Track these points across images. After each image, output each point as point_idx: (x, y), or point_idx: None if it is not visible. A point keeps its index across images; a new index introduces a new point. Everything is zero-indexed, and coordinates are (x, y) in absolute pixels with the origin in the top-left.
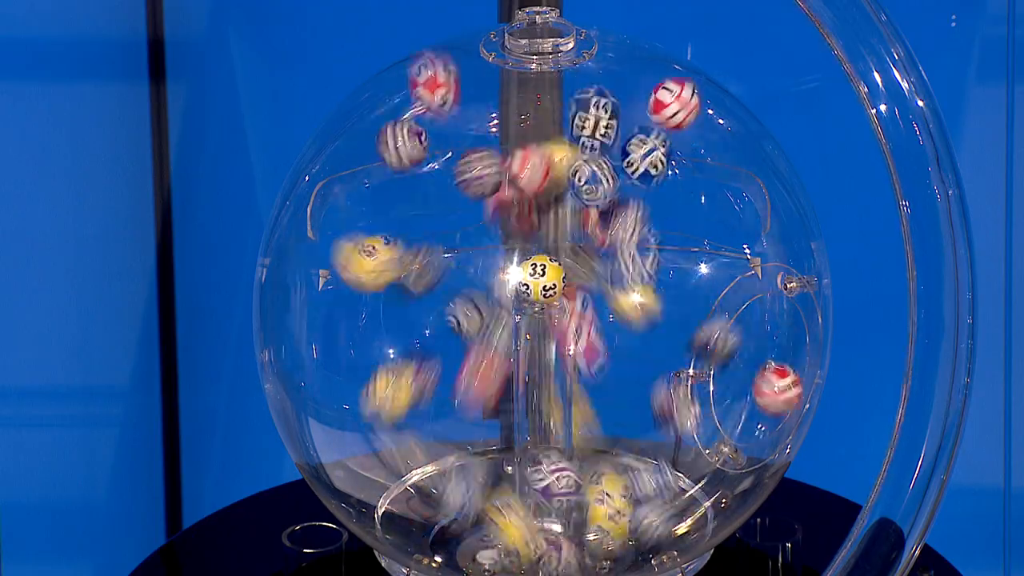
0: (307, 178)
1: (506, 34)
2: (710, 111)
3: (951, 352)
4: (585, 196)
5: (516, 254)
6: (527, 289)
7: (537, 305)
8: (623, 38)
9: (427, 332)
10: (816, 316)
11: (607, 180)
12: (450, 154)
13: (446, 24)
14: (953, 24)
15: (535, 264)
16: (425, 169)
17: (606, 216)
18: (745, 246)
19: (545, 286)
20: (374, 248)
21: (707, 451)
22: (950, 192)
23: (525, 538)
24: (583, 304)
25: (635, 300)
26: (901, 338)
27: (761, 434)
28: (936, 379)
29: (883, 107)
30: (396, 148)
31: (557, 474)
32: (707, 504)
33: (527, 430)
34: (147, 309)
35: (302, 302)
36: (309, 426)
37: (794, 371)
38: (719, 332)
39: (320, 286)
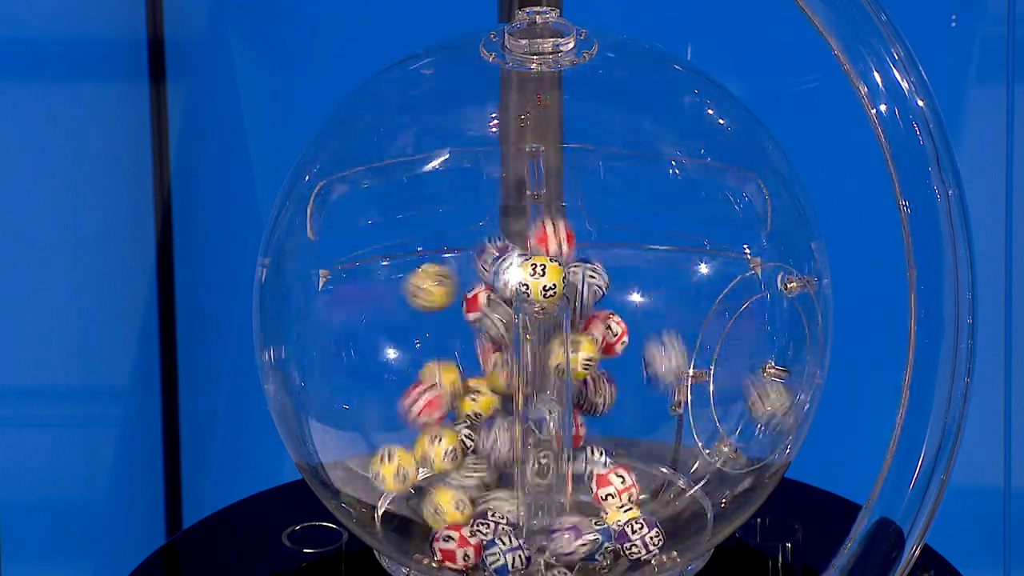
0: (307, 178)
1: (506, 34)
2: (710, 111)
3: (951, 352)
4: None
5: (516, 255)
6: (527, 289)
7: (537, 305)
8: (623, 38)
9: (427, 334)
10: (816, 316)
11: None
12: (448, 154)
13: (446, 24)
14: (953, 24)
15: (535, 264)
16: (427, 167)
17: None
18: (745, 246)
19: (545, 286)
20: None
21: (707, 451)
22: (950, 192)
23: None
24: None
25: None
26: (901, 338)
27: (761, 434)
28: (936, 379)
29: (883, 107)
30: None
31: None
32: (708, 504)
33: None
34: (147, 309)
35: (302, 302)
36: (309, 426)
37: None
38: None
39: (320, 286)
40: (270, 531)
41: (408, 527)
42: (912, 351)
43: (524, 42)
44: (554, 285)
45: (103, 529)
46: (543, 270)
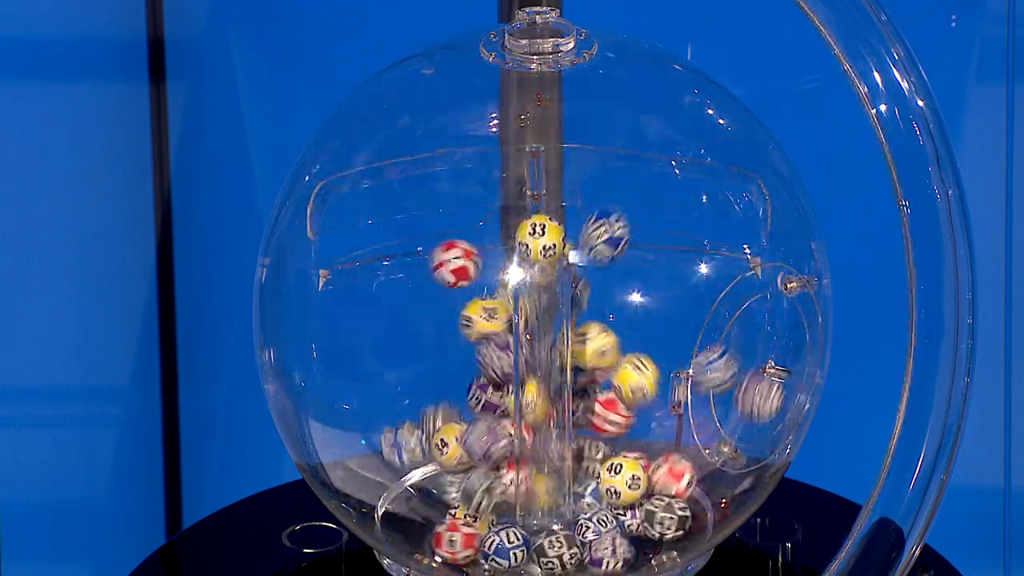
0: (307, 178)
1: (506, 34)
2: (710, 111)
3: (951, 352)
4: None
5: (516, 254)
6: (527, 249)
7: (536, 265)
8: (623, 38)
9: (427, 333)
10: (816, 316)
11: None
12: (448, 154)
13: (446, 24)
14: (953, 24)
15: (535, 224)
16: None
17: None
18: (745, 246)
19: (545, 245)
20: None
21: (707, 451)
22: (950, 192)
23: None
24: None
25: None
26: (901, 338)
27: (761, 434)
28: (936, 379)
29: (883, 107)
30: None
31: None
32: (707, 504)
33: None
34: (147, 309)
35: (302, 302)
36: (309, 426)
37: None
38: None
39: (320, 286)
40: (270, 531)
41: (408, 527)
42: (912, 351)
43: (524, 42)
44: (554, 245)
45: (103, 529)
46: (543, 230)
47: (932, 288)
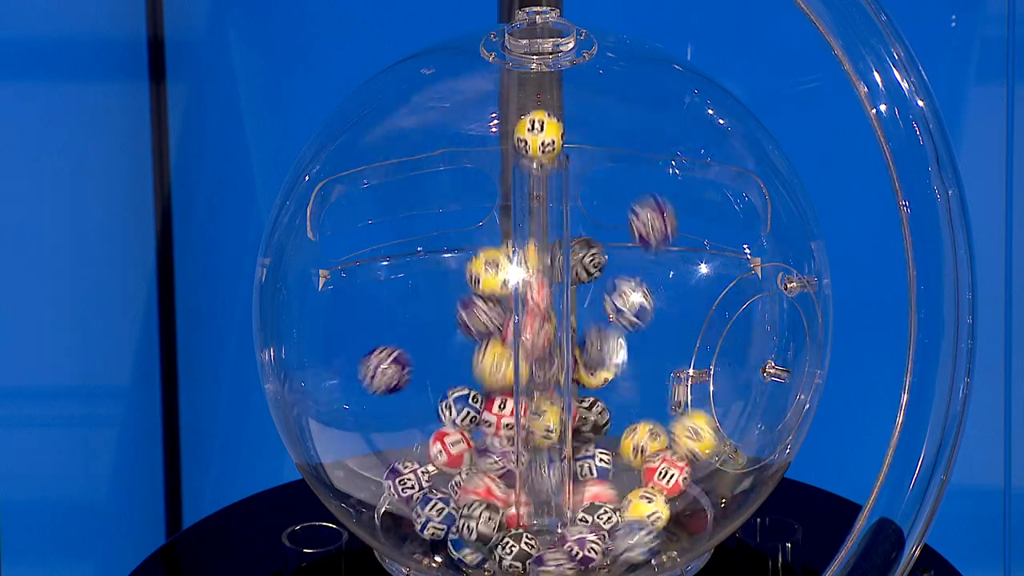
0: (307, 178)
1: (506, 34)
2: (710, 111)
3: (951, 352)
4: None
5: (516, 253)
6: (525, 145)
7: (535, 162)
8: (623, 38)
9: (427, 333)
10: (816, 316)
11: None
12: (448, 154)
13: (446, 24)
14: (953, 24)
15: (533, 120)
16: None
17: None
18: (745, 246)
19: (543, 141)
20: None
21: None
22: (950, 192)
23: None
24: None
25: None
26: (901, 338)
27: (761, 434)
28: (936, 379)
29: (883, 107)
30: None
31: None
32: (707, 504)
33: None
34: (147, 309)
35: (302, 302)
36: (309, 426)
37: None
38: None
39: (320, 286)
40: (270, 531)
41: (408, 527)
42: (912, 351)
43: (524, 42)
44: (552, 141)
45: (103, 529)
46: (541, 126)
47: (932, 288)
